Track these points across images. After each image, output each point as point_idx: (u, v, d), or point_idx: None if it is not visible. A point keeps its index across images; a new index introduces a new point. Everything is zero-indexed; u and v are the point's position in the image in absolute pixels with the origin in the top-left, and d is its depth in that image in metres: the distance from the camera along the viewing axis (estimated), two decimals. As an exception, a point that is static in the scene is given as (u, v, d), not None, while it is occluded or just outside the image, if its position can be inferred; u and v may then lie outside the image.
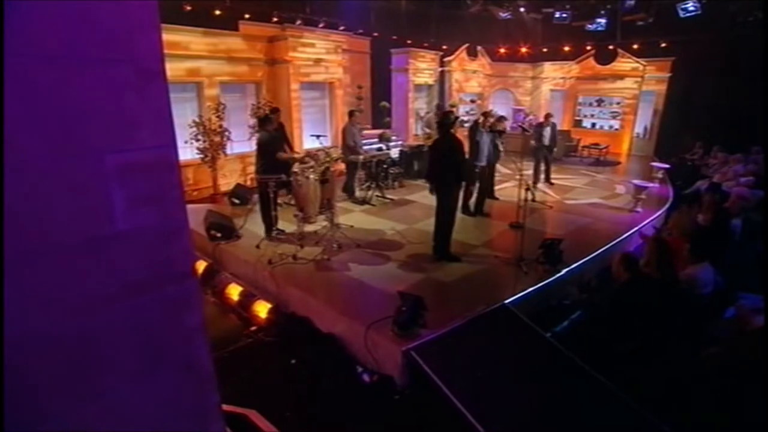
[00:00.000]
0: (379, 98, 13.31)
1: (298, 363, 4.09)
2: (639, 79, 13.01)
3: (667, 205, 7.87)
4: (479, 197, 6.97)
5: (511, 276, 4.94)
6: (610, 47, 13.58)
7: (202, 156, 8.41)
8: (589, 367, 3.44)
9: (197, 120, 8.26)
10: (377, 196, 7.95)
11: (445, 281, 4.80)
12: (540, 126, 9.22)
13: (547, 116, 9.41)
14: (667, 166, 9.68)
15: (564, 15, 13.77)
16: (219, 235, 5.91)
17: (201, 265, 5.69)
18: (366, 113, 13.33)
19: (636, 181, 7.54)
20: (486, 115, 7.14)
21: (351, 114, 7.68)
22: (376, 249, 5.66)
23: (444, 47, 14.09)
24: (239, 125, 9.36)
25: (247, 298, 4.91)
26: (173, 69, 8.32)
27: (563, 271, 5.03)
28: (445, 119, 4.98)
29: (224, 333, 4.71)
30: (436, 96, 13.49)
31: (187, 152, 8.53)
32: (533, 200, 7.72)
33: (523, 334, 3.98)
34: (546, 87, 15.45)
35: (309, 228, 6.13)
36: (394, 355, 3.66)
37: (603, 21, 12.85)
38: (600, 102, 13.85)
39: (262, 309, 4.75)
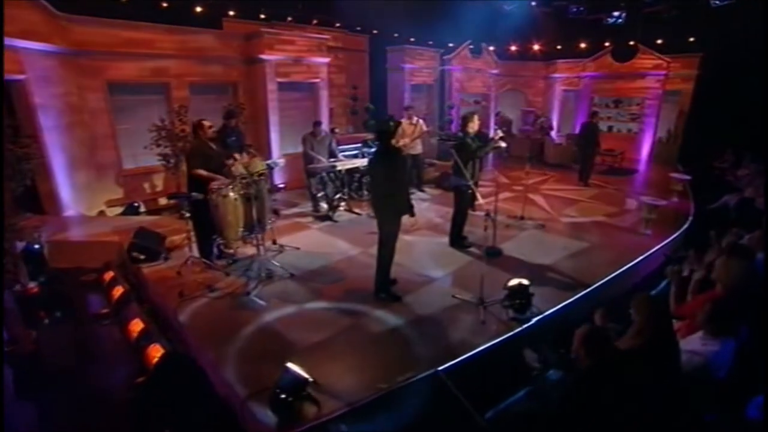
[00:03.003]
0: (377, 99, 12.22)
1: (169, 436, 3.12)
2: (662, 78, 11.34)
3: (684, 226, 6.42)
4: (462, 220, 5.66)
5: (464, 326, 3.77)
6: (631, 43, 11.94)
7: (164, 162, 7.60)
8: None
9: (159, 123, 7.44)
10: (345, 210, 6.90)
11: (376, 332, 3.69)
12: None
13: (593, 116, 9.54)
14: (687, 177, 8.13)
15: (580, 9, 12.26)
16: (142, 257, 5.02)
17: (117, 292, 4.82)
18: (363, 115, 12.29)
19: (645, 198, 6.14)
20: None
21: (314, 124, 6.68)
22: (312, 280, 4.60)
23: (450, 44, 12.81)
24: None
25: (145, 338, 3.96)
26: (135, 69, 7.54)
27: (533, 320, 3.83)
28: (382, 127, 3.81)
29: (114, 382, 3.84)
30: (436, 96, 12.26)
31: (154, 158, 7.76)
32: (521, 218, 6.51)
33: (453, 418, 2.85)
34: (559, 87, 13.90)
35: (252, 250, 5.20)
36: (269, 446, 2.63)
37: (622, 14, 11.26)
38: (617, 103, 12.23)
39: (155, 353, 3.79)
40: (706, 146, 10.62)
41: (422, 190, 8.26)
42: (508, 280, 3.90)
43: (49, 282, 5.26)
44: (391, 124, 3.81)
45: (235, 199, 4.31)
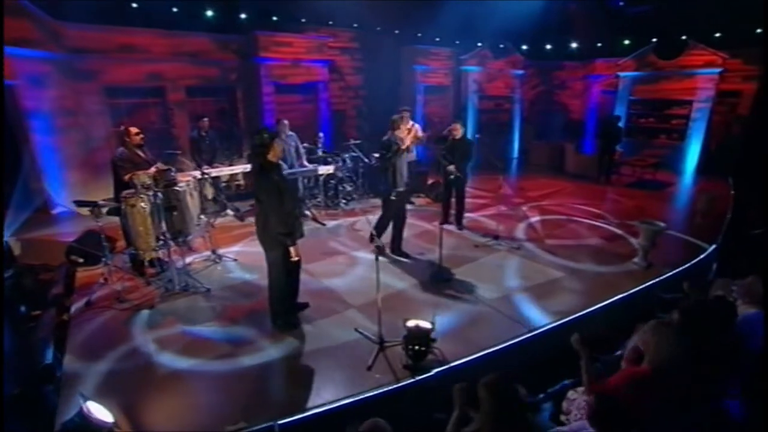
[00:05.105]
0: (390, 100, 11.66)
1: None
2: (716, 76, 9.59)
3: (701, 257, 5.20)
4: (394, 232, 5.15)
5: (347, 368, 3.18)
6: (683, 37, 10.22)
7: (154, 163, 7.70)
8: None
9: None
10: (312, 219, 6.50)
11: (246, 365, 3.21)
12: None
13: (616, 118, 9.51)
14: (713, 195, 6.71)
15: (621, 2, 10.83)
16: (81, 260, 4.99)
17: (52, 294, 4.82)
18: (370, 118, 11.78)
19: (640, 222, 5.03)
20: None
21: (277, 122, 6.31)
22: (224, 297, 4.24)
23: (479, 44, 11.89)
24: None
25: (40, 347, 3.84)
26: (131, 73, 7.69)
27: (433, 371, 3.15)
28: (255, 141, 3.31)
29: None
30: (452, 98, 11.43)
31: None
32: (496, 238, 5.68)
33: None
34: (597, 88, 12.39)
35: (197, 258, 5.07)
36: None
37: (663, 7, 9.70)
38: (661, 106, 10.57)
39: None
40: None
41: (410, 202, 7.59)
42: (407, 319, 3.24)
43: (12, 278, 5.40)
44: (265, 136, 3.30)
45: (144, 209, 4.05)
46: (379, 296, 3.36)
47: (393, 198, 4.78)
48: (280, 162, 6.21)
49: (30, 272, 5.53)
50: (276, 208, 3.20)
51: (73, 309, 4.15)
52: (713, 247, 5.46)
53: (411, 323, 3.18)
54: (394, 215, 4.99)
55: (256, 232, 3.46)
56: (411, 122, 7.28)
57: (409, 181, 4.93)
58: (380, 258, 5.05)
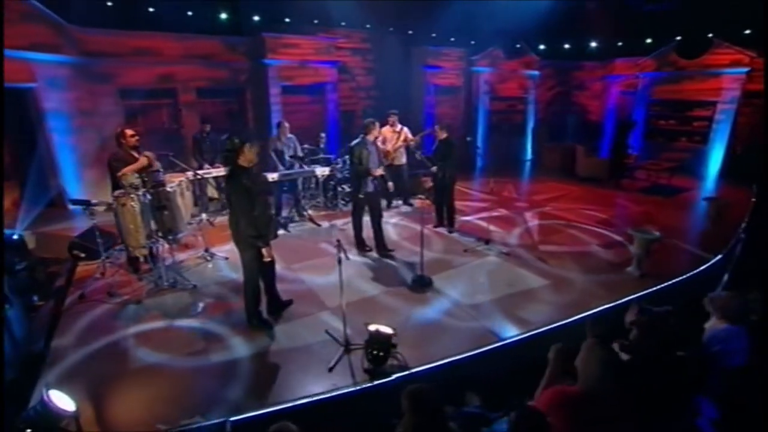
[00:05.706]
0: (400, 101, 11.64)
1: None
2: (743, 76, 9.09)
3: (701, 268, 4.97)
4: (374, 232, 5.21)
5: (309, 369, 3.24)
6: (710, 35, 9.73)
7: (164, 162, 8.00)
8: None
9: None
10: (308, 220, 6.60)
11: (215, 361, 3.33)
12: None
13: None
14: (725, 200, 6.38)
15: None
16: (83, 255, 5.27)
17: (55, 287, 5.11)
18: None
19: (633, 229, 4.85)
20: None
21: (277, 125, 6.42)
22: (208, 294, 4.39)
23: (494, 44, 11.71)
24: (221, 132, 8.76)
25: (33, 337, 4.09)
26: (144, 75, 8.00)
27: (393, 377, 3.16)
28: (227, 146, 3.41)
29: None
30: (462, 100, 11.30)
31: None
32: (486, 242, 5.61)
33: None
34: (617, 89, 11.97)
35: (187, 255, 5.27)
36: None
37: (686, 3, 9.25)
38: (682, 107, 10.11)
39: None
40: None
41: (409, 204, 7.57)
42: (368, 323, 3.27)
43: (25, 270, 5.75)
44: (236, 141, 3.39)
45: (134, 207, 4.24)
46: (344, 299, 3.40)
47: (361, 197, 4.89)
48: (279, 163, 6.46)
49: (42, 265, 5.86)
50: (245, 211, 3.30)
51: (68, 301, 4.37)
52: (717, 257, 5.20)
53: (372, 327, 3.21)
54: (370, 214, 5.07)
55: (231, 233, 3.56)
56: (399, 126, 7.27)
57: (378, 184, 4.97)
58: (365, 259, 5.18)
